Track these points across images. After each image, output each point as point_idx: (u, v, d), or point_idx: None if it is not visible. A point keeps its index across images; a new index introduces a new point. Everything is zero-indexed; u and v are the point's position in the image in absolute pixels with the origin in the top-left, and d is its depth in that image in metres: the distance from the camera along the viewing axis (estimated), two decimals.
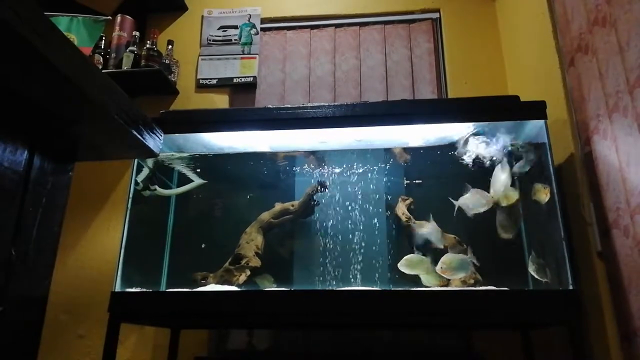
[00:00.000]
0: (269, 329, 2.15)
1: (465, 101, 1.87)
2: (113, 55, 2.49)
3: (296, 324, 1.99)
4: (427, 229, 1.79)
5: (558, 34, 1.89)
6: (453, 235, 1.84)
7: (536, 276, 1.65)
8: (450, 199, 1.78)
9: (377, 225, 1.95)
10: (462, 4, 2.70)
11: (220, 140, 1.99)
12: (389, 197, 2.00)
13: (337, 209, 2.00)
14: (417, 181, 2.04)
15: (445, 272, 1.67)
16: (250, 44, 2.72)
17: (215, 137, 1.95)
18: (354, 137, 1.93)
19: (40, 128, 0.74)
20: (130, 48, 2.47)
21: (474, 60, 2.56)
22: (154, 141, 0.85)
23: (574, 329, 1.45)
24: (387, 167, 2.05)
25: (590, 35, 1.62)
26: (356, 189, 2.02)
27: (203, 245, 1.99)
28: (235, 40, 2.74)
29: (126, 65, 2.43)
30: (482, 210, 1.75)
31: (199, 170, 2.09)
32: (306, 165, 2.08)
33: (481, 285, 1.69)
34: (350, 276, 1.88)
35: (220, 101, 2.62)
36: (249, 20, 2.78)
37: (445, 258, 1.69)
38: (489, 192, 1.79)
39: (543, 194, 1.60)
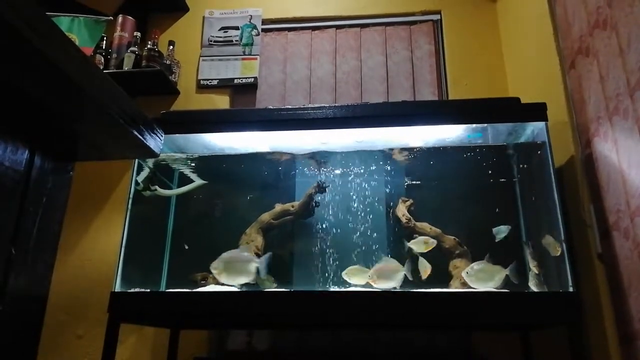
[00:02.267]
0: (269, 329, 2.15)
1: (465, 103, 1.87)
2: (114, 55, 2.49)
3: (296, 325, 1.99)
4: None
5: (559, 36, 1.89)
6: (453, 237, 1.84)
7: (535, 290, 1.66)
8: None
9: (377, 226, 1.95)
10: (463, 5, 2.70)
11: (221, 141, 1.99)
12: (389, 198, 2.00)
13: (338, 210, 2.00)
14: (416, 182, 2.04)
15: (373, 281, 1.67)
16: (251, 44, 2.72)
17: (215, 137, 1.95)
18: (355, 138, 1.93)
19: (41, 128, 0.74)
20: (132, 48, 2.47)
21: (474, 62, 2.56)
22: (155, 141, 0.85)
23: (573, 331, 1.45)
24: (387, 169, 2.05)
25: (591, 38, 1.62)
26: (357, 190, 2.02)
27: (186, 247, 1.99)
28: (236, 41, 2.75)
29: (127, 66, 2.43)
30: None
31: (199, 170, 2.09)
32: (306, 166, 2.08)
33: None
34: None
35: (221, 102, 2.62)
36: (250, 21, 2.78)
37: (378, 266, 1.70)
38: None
39: (554, 249, 1.60)
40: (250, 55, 2.70)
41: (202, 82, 2.66)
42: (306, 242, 1.97)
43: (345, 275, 1.75)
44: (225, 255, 1.70)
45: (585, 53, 1.66)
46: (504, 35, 2.59)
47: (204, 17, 2.82)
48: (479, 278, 1.65)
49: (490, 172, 1.94)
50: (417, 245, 1.79)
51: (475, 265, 1.67)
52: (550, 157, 1.65)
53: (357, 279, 1.73)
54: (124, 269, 1.72)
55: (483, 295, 1.55)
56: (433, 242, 1.78)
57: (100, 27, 2.41)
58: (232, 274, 1.68)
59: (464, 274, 1.67)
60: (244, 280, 1.68)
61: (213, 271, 1.68)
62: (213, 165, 2.09)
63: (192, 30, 2.80)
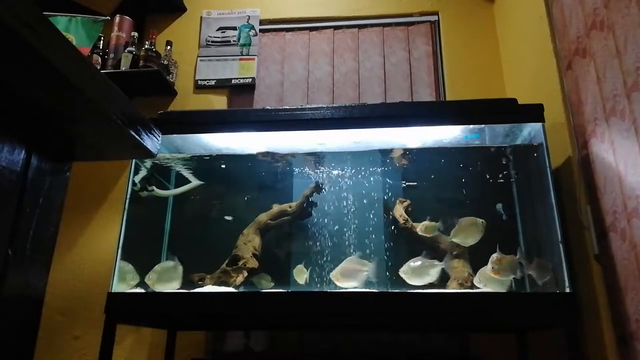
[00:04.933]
0: (266, 330, 2.15)
1: (463, 104, 1.87)
2: (111, 55, 2.48)
3: (293, 326, 1.98)
4: None
5: (556, 37, 1.90)
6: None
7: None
8: None
9: (375, 226, 1.95)
10: (461, 7, 2.71)
11: (219, 141, 1.99)
12: (387, 199, 2.00)
13: (335, 210, 2.00)
14: (413, 183, 2.04)
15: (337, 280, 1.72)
16: (249, 45, 2.72)
17: (213, 138, 1.95)
18: (352, 139, 1.93)
19: (38, 128, 0.74)
20: (129, 48, 2.47)
21: (472, 63, 2.57)
22: (152, 142, 0.85)
23: (571, 332, 1.45)
24: (385, 169, 2.05)
25: (587, 39, 1.62)
26: (354, 190, 2.02)
27: (230, 218, 2.01)
28: (233, 41, 2.74)
29: (124, 66, 2.43)
30: None
31: (196, 171, 2.09)
32: (304, 167, 2.08)
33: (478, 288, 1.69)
34: None
35: (219, 102, 2.62)
36: (247, 22, 2.78)
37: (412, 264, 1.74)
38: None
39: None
40: (248, 55, 2.70)
41: (199, 82, 2.66)
42: (303, 242, 1.97)
43: (294, 273, 1.84)
44: (156, 267, 1.77)
45: (582, 54, 1.66)
46: (501, 36, 2.59)
47: (201, 18, 2.82)
48: (415, 274, 1.69)
49: (487, 173, 1.95)
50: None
51: (412, 262, 1.71)
52: (547, 158, 1.66)
53: (300, 278, 1.83)
54: (121, 269, 1.71)
55: (480, 296, 1.55)
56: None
57: (97, 27, 2.40)
58: (166, 281, 1.75)
59: (400, 272, 1.71)
60: (176, 285, 1.76)
61: (147, 282, 1.73)
62: (210, 166, 2.09)
63: (190, 30, 2.80)
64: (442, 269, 1.70)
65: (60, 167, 0.83)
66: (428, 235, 1.82)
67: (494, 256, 1.63)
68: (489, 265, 1.62)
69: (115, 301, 1.60)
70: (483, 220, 1.76)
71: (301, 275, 1.84)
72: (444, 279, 1.76)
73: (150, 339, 2.17)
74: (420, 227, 1.84)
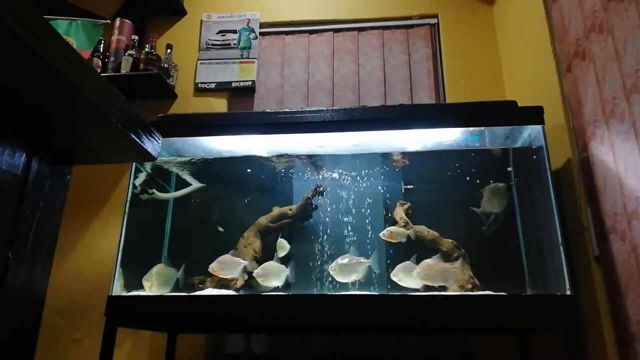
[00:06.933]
0: (266, 333, 2.14)
1: (463, 106, 1.87)
2: (112, 58, 2.49)
3: (294, 328, 1.98)
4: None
5: (555, 40, 1.90)
6: (450, 240, 1.84)
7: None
8: None
9: (375, 229, 1.95)
10: (460, 9, 2.71)
11: (219, 144, 1.99)
12: (387, 201, 2.00)
13: (335, 213, 2.00)
14: (412, 186, 2.04)
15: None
16: (249, 48, 2.73)
17: (213, 141, 1.95)
18: (352, 141, 1.93)
19: (39, 131, 0.74)
20: (129, 52, 2.48)
21: (472, 65, 2.57)
22: (152, 145, 0.85)
23: (571, 334, 1.45)
24: (385, 172, 2.05)
25: (587, 42, 1.62)
26: (354, 193, 2.02)
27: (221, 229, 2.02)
28: (234, 44, 2.75)
29: (125, 69, 2.43)
30: None
31: (197, 174, 2.09)
32: (304, 169, 2.08)
33: (479, 290, 1.69)
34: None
35: (219, 105, 2.62)
36: (247, 25, 2.78)
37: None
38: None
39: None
40: (248, 58, 2.71)
41: (199, 85, 2.66)
42: (303, 245, 1.97)
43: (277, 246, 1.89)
44: (154, 270, 1.78)
45: (582, 56, 1.67)
46: (500, 39, 2.60)
47: (201, 21, 2.83)
48: (342, 271, 1.71)
49: (487, 175, 1.95)
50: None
51: (340, 260, 1.73)
52: (547, 160, 1.66)
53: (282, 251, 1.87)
54: (121, 272, 1.71)
55: (481, 298, 1.55)
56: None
57: (97, 30, 2.41)
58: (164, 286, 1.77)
59: (329, 269, 1.73)
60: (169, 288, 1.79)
61: (145, 284, 1.74)
62: (211, 169, 2.09)
63: (190, 33, 2.80)
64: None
65: (61, 170, 0.83)
66: (393, 241, 1.83)
67: (426, 262, 1.65)
68: (417, 269, 1.66)
69: (116, 304, 1.60)
70: (504, 184, 1.82)
71: (284, 249, 1.88)
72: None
73: (150, 342, 2.17)
74: (385, 232, 1.83)
